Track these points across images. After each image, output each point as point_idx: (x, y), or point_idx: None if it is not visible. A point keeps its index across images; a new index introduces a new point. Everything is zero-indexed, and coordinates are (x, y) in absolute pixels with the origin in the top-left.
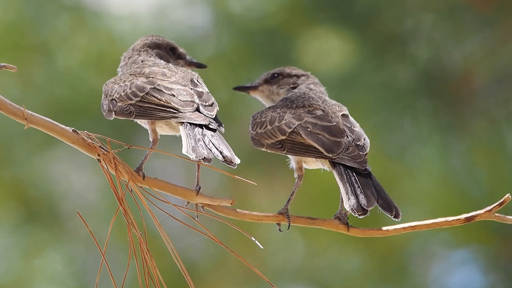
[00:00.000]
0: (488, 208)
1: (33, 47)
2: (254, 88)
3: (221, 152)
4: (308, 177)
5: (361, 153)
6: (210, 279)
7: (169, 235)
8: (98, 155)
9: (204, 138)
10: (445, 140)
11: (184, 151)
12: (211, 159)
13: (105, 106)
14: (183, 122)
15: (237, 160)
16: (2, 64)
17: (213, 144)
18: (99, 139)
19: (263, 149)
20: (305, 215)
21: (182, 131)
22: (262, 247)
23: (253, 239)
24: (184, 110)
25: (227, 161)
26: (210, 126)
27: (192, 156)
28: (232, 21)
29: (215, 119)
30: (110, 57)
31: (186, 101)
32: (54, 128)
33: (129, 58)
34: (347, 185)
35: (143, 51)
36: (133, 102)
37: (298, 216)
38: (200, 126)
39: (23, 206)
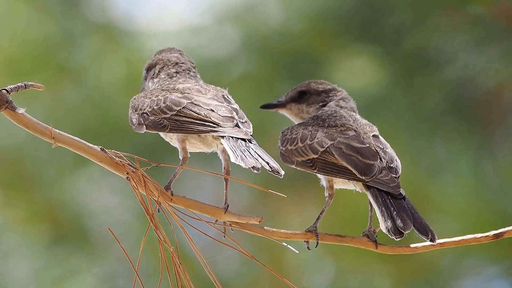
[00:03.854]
0: None
1: (62, 67)
2: (282, 105)
3: (268, 163)
4: (336, 198)
5: (393, 176)
6: None
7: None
8: (127, 173)
9: (249, 149)
10: (476, 159)
11: (233, 160)
12: (259, 168)
13: (134, 120)
14: (224, 136)
15: (283, 171)
16: (29, 83)
17: (259, 155)
18: (128, 158)
19: (293, 166)
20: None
21: (226, 144)
22: (297, 252)
23: (286, 244)
24: (224, 125)
25: (274, 171)
26: (252, 142)
27: (242, 164)
28: (261, 42)
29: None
30: (140, 76)
31: (226, 116)
32: (81, 147)
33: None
34: (383, 208)
35: (172, 67)
36: (167, 116)
37: (326, 233)
38: (243, 139)
39: (54, 227)
